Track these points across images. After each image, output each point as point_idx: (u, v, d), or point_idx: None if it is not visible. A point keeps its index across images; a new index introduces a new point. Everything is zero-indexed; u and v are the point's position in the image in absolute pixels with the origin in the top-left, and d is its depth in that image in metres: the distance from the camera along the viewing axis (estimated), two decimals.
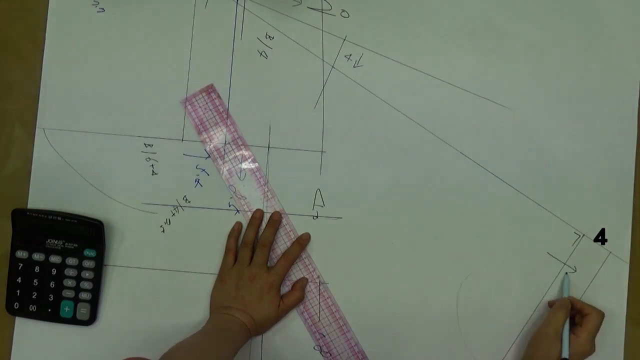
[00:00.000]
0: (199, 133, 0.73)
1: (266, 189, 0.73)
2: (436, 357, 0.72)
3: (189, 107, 0.73)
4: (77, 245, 0.71)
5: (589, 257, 0.72)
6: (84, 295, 0.71)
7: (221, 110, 0.73)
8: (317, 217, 0.73)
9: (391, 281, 0.72)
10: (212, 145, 0.73)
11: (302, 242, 0.72)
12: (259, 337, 0.72)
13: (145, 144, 0.73)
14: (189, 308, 0.72)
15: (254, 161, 0.73)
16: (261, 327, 0.69)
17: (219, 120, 0.73)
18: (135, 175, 0.73)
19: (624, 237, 0.72)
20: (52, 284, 0.71)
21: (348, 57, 0.73)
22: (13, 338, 0.72)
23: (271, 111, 0.73)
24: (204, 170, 0.73)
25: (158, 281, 0.72)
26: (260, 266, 0.70)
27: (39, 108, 0.73)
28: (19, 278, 0.71)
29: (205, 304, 0.72)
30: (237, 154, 0.73)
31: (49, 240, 0.71)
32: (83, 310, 0.71)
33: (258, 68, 0.74)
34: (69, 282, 0.71)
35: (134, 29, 0.74)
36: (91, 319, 0.72)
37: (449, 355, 0.72)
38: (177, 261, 0.73)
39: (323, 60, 0.73)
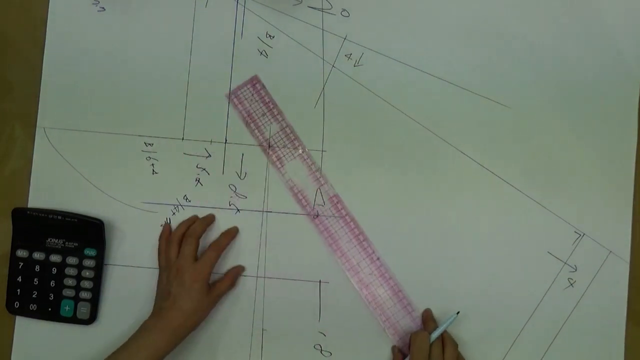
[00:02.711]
0: (247, 125, 0.73)
1: (319, 175, 0.73)
2: None
3: (235, 99, 0.73)
4: (77, 245, 0.71)
5: (589, 257, 0.72)
6: (84, 295, 0.71)
7: (267, 100, 0.73)
8: (317, 216, 0.73)
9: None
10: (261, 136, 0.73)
11: (231, 233, 0.72)
12: (259, 337, 0.72)
13: (145, 143, 0.73)
14: None
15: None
16: (195, 316, 0.68)
17: (265, 111, 0.73)
18: (136, 174, 0.73)
19: (624, 237, 0.72)
20: (52, 283, 0.71)
21: (348, 56, 0.73)
22: (13, 337, 0.73)
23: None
24: (204, 169, 0.73)
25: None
26: (186, 258, 0.68)
27: (39, 108, 0.73)
28: (20, 277, 0.72)
29: None
30: (288, 143, 0.73)
31: (49, 240, 0.71)
32: (83, 310, 0.72)
33: (258, 67, 0.74)
34: (69, 281, 0.71)
35: (134, 28, 0.74)
36: (91, 318, 0.72)
37: None
38: None
39: (323, 60, 0.73)
